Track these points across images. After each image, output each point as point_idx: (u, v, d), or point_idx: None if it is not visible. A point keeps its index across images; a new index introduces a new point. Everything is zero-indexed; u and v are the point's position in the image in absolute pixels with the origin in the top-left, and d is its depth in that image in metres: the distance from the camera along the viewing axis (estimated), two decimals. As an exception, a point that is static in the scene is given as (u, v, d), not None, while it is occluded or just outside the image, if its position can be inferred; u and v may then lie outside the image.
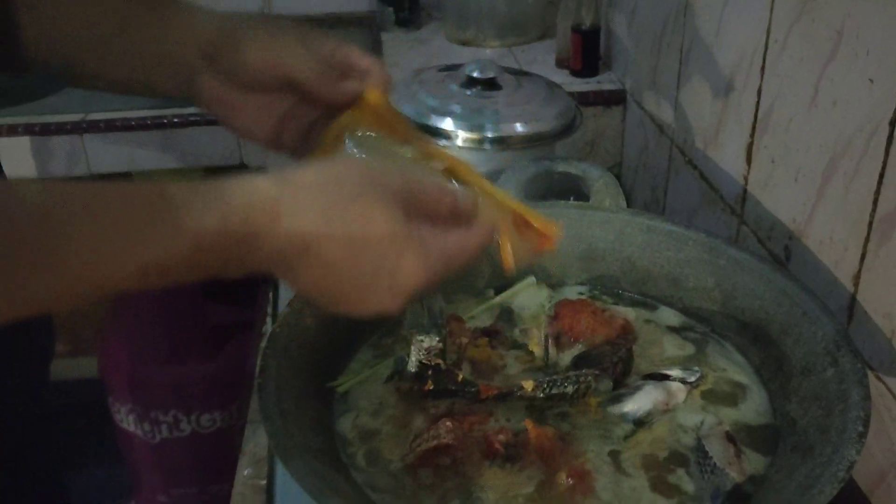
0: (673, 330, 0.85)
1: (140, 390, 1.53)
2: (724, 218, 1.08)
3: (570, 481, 0.67)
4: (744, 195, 1.02)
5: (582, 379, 0.74)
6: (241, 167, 1.44)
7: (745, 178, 1.01)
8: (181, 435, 1.61)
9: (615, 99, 1.45)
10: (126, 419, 1.57)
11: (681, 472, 0.68)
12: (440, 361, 0.75)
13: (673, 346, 0.83)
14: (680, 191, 1.23)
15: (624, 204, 0.91)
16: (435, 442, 0.69)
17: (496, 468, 0.69)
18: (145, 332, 1.53)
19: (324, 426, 0.72)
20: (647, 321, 0.86)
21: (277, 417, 0.67)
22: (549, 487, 0.67)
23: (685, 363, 0.80)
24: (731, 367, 0.80)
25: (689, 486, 0.67)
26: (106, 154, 1.40)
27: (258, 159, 1.43)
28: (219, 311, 1.53)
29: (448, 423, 0.70)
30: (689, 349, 0.82)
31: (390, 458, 0.70)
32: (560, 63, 1.57)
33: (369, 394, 0.77)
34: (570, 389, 0.74)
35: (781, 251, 0.93)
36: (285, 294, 1.03)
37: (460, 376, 0.75)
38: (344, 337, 0.81)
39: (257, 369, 0.71)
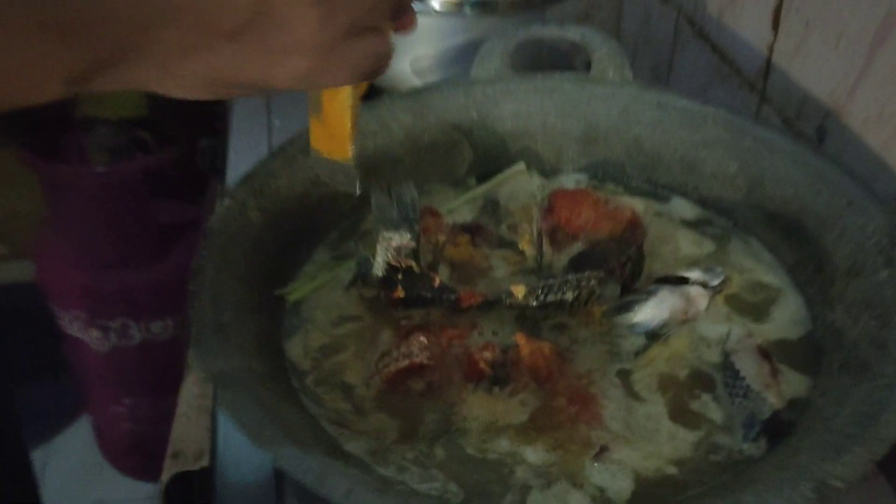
0: (688, 224, 0.72)
1: (84, 296, 1.39)
2: (740, 95, 0.93)
3: (572, 408, 0.55)
4: (767, 67, 0.87)
5: (583, 283, 0.61)
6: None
7: (770, 48, 0.86)
8: (131, 343, 1.48)
9: (612, -38, 1.27)
10: (71, 326, 1.44)
11: (705, 396, 0.56)
12: (412, 263, 0.61)
13: (689, 244, 0.70)
14: (687, 67, 1.08)
15: (630, 76, 0.76)
16: (407, 362, 0.56)
17: (481, 393, 0.56)
18: (86, 233, 1.38)
19: (270, 344, 0.59)
20: (658, 214, 0.73)
21: (212, 334, 0.54)
22: (547, 416, 0.55)
23: (705, 263, 0.67)
24: (760, 267, 0.67)
25: (716, 414, 0.55)
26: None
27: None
28: (166, 209, 1.38)
29: (422, 339, 0.58)
30: (709, 247, 0.70)
31: (352, 382, 0.58)
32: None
33: (326, 304, 0.64)
34: (569, 296, 0.61)
35: (813, 132, 0.79)
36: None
37: (437, 281, 0.61)
38: (296, 234, 0.67)
39: (193, 278, 0.58)
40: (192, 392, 0.78)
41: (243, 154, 0.99)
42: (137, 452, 1.62)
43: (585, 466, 0.52)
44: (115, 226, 1.36)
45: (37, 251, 1.44)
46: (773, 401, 0.53)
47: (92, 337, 1.44)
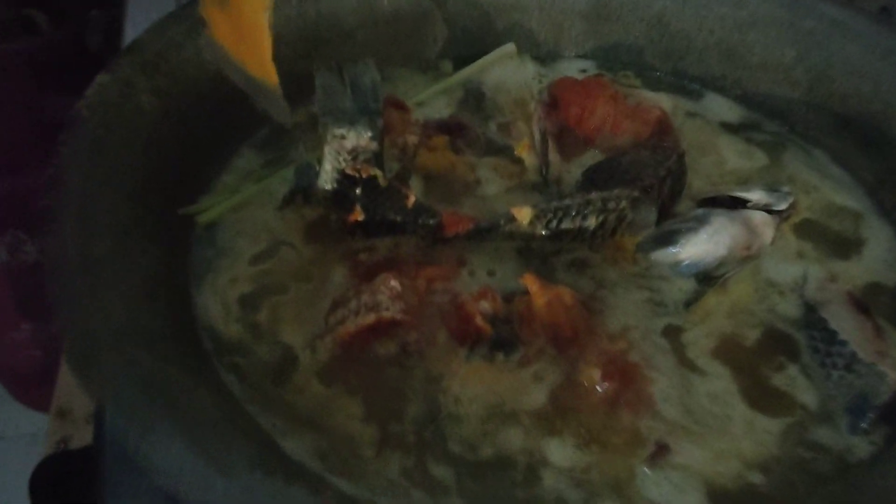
0: (730, 129, 0.56)
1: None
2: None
3: (609, 384, 0.38)
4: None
5: (611, 205, 0.44)
6: None
7: None
8: (27, 260, 1.26)
9: None
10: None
11: (791, 367, 0.40)
12: (376, 172, 0.43)
13: (735, 154, 0.53)
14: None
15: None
16: (372, 316, 0.39)
17: (478, 361, 0.39)
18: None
19: (171, 289, 0.41)
20: (690, 115, 0.56)
21: (78, 275, 0.35)
22: (573, 396, 0.38)
23: (760, 180, 0.51)
24: (829, 186, 0.51)
25: (806, 394, 0.39)
26: None
27: None
28: (60, 104, 1.15)
29: (392, 283, 0.40)
30: (760, 158, 0.53)
31: (290, 343, 0.40)
32: None
33: (253, 229, 0.45)
34: (591, 222, 0.45)
35: (876, 9, 0.62)
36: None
37: (411, 197, 0.44)
38: (210, 130, 0.48)
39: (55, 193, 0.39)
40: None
41: (140, 23, 0.78)
42: (42, 382, 1.43)
43: (636, 473, 0.36)
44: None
45: None
46: (893, 375, 0.38)
47: (-24, 253, 1.22)
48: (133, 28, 0.78)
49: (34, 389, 1.47)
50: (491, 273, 0.44)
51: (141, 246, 0.40)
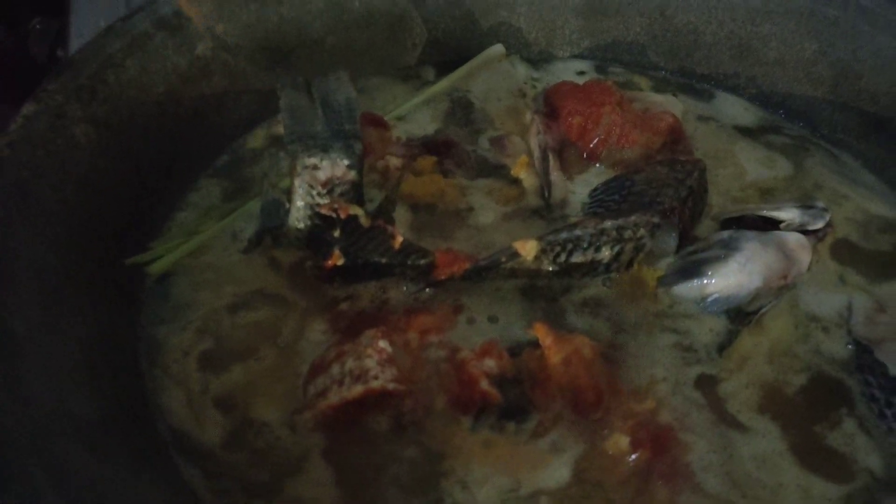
0: (747, 133, 0.50)
1: None
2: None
3: (640, 453, 0.33)
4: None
5: (628, 233, 0.39)
6: None
7: None
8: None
9: None
10: None
11: (847, 421, 0.35)
12: (357, 210, 0.37)
13: (756, 163, 0.48)
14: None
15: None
16: (360, 388, 0.33)
17: (486, 433, 0.33)
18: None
19: (114, 359, 0.34)
20: (703, 119, 0.51)
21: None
22: (599, 469, 0.33)
23: (787, 192, 0.45)
24: (862, 194, 0.46)
25: (868, 455, 0.34)
26: None
27: None
28: (2, 116, 1.07)
29: (381, 344, 0.34)
30: (783, 166, 0.48)
31: (261, 418, 0.34)
32: None
33: (215, 277, 0.39)
34: (605, 254, 0.39)
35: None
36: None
37: (398, 238, 0.37)
38: (160, 163, 0.42)
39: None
40: None
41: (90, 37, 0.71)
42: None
43: (680, 567, 0.30)
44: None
45: None
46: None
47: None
48: (79, 40, 0.71)
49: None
50: (493, 319, 0.38)
51: (75, 311, 0.34)
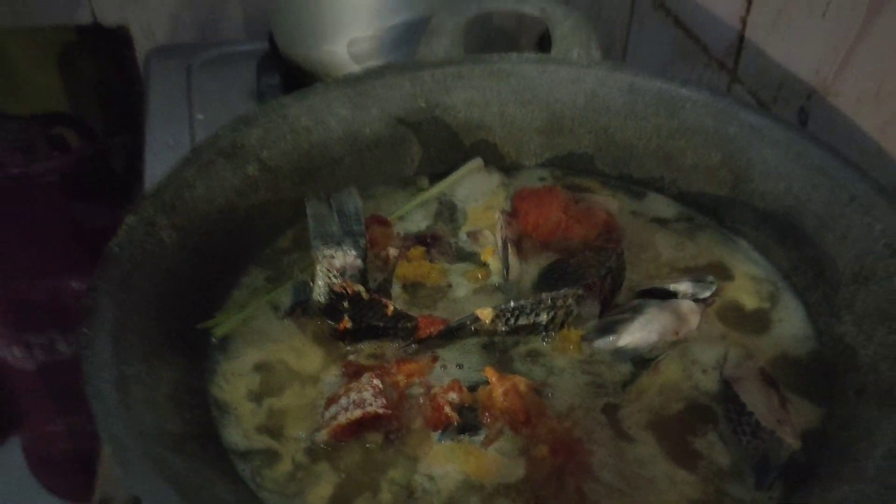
0: (667, 224, 0.64)
1: (7, 309, 1.27)
2: (707, 75, 0.85)
3: (557, 459, 0.46)
4: (739, 43, 0.79)
5: (559, 302, 0.53)
6: (95, 27, 1.14)
7: (743, 21, 0.78)
8: (61, 358, 1.36)
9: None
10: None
11: (710, 433, 0.48)
12: (360, 289, 0.52)
13: (670, 248, 0.62)
14: (646, 44, 1.00)
15: (598, 55, 0.68)
16: (359, 412, 0.47)
17: (449, 442, 0.47)
18: (3, 240, 1.25)
19: (192, 394, 0.49)
20: (634, 213, 0.65)
21: (112, 392, 0.44)
22: (528, 468, 0.46)
23: (691, 271, 0.59)
24: (752, 273, 0.59)
25: (721, 456, 0.47)
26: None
27: (116, 14, 1.13)
28: (91, 212, 1.26)
29: (375, 382, 0.49)
30: (691, 249, 0.62)
31: (295, 434, 0.48)
32: None
33: (260, 338, 0.54)
34: (543, 318, 0.53)
35: (795, 115, 0.72)
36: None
37: (390, 307, 0.52)
38: (221, 256, 0.57)
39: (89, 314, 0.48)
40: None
41: (162, 153, 0.88)
42: (76, 473, 1.50)
43: (578, 531, 0.44)
44: (34, 231, 1.23)
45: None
46: (788, 441, 0.46)
47: (15, 355, 1.32)
48: (152, 154, 0.88)
49: (68, 480, 1.55)
50: (459, 366, 0.52)
51: (165, 361, 0.49)
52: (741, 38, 0.79)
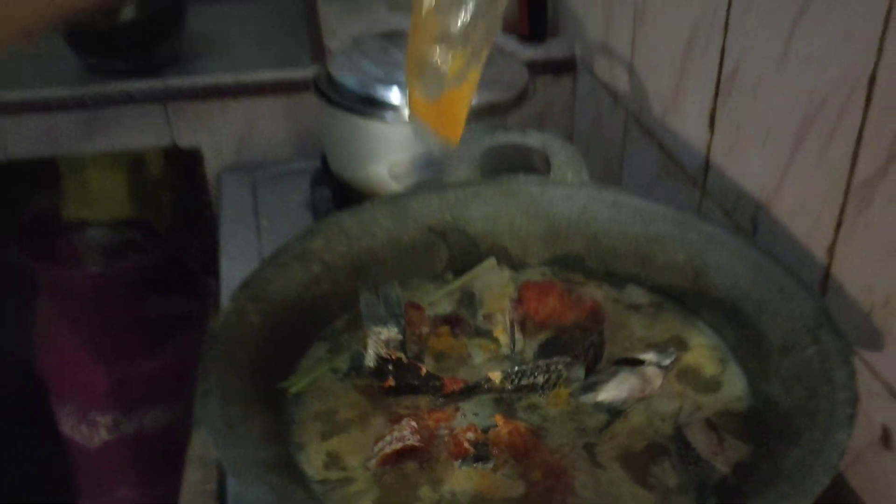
0: (642, 309, 0.81)
1: (78, 390, 1.44)
2: (685, 190, 1.04)
3: (547, 481, 0.62)
4: (706, 165, 0.98)
5: (552, 368, 0.69)
6: (174, 148, 1.36)
7: (708, 147, 0.97)
8: (123, 436, 1.53)
9: (565, 67, 1.39)
10: (63, 423, 1.48)
11: (663, 464, 0.64)
12: (400, 355, 0.69)
13: (642, 328, 0.79)
14: (637, 163, 1.19)
15: (587, 177, 0.86)
16: (399, 444, 0.64)
17: (467, 468, 0.63)
18: (81, 329, 1.44)
19: (276, 433, 0.66)
20: (616, 301, 0.82)
21: (224, 430, 0.61)
22: (525, 487, 0.62)
23: (658, 345, 0.76)
24: (706, 347, 0.76)
25: (671, 479, 0.63)
26: (24, 138, 1.30)
27: (191, 138, 1.35)
28: (159, 304, 1.45)
29: (412, 423, 0.65)
30: (659, 329, 0.78)
31: (352, 463, 0.65)
32: (507, 28, 1.51)
33: (325, 394, 0.71)
34: (540, 380, 0.70)
35: (748, 223, 0.89)
36: (231, 287, 0.96)
37: (423, 370, 0.69)
38: (294, 333, 0.75)
39: (198, 377, 0.65)
40: (194, 478, 0.85)
41: (235, 255, 1.07)
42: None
43: (561, 532, 0.59)
44: (109, 322, 1.42)
45: (37, 346, 1.49)
46: (720, 467, 0.61)
47: (82, 433, 1.48)
48: (227, 256, 1.07)
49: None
50: (475, 414, 0.68)
51: (257, 408, 0.66)
52: (707, 161, 0.97)
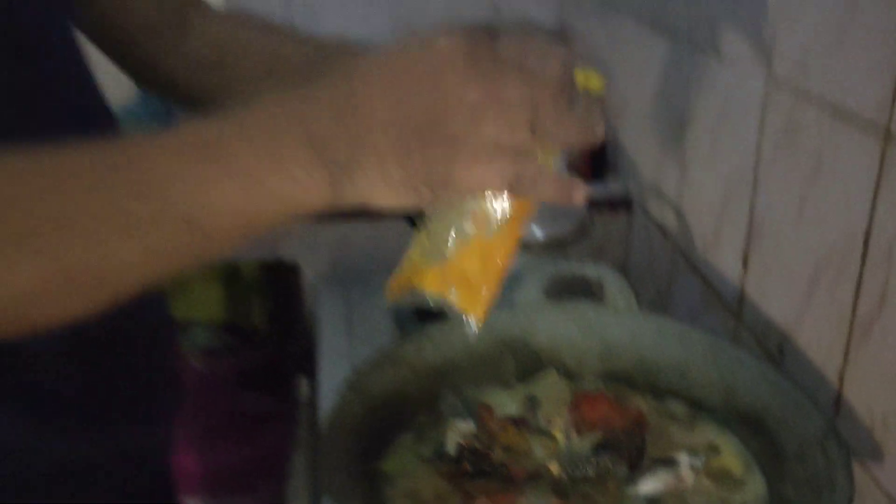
0: (680, 419, 0.95)
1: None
2: (723, 318, 1.19)
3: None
4: (741, 298, 1.13)
5: (601, 463, 0.84)
6: (278, 263, 1.56)
7: (742, 282, 1.12)
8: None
9: (621, 204, 1.57)
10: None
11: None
12: (476, 445, 0.85)
13: (680, 434, 0.93)
14: (682, 293, 1.34)
15: (636, 305, 1.02)
16: (474, 511, 0.78)
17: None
18: (183, 420, 1.61)
19: (371, 498, 0.82)
20: (657, 411, 0.96)
21: (338, 489, 0.77)
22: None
23: (692, 449, 0.90)
24: (734, 453, 0.89)
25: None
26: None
27: (291, 252, 1.55)
28: (252, 400, 1.62)
29: (484, 501, 0.80)
30: (695, 434, 0.92)
31: (438, 529, 0.80)
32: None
33: (413, 474, 0.87)
34: (590, 472, 0.84)
35: (776, 350, 1.03)
36: (328, 384, 1.13)
37: (494, 459, 0.85)
38: (389, 422, 0.91)
39: (319, 454, 0.81)
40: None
41: (331, 358, 1.25)
42: None
43: None
44: (207, 415, 1.60)
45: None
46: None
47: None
48: (325, 359, 1.25)
49: None
50: (536, 498, 0.83)
51: (359, 482, 0.82)
52: (742, 294, 1.13)
